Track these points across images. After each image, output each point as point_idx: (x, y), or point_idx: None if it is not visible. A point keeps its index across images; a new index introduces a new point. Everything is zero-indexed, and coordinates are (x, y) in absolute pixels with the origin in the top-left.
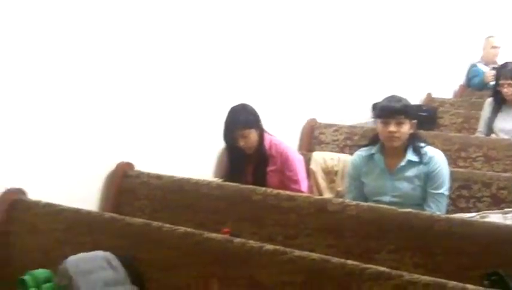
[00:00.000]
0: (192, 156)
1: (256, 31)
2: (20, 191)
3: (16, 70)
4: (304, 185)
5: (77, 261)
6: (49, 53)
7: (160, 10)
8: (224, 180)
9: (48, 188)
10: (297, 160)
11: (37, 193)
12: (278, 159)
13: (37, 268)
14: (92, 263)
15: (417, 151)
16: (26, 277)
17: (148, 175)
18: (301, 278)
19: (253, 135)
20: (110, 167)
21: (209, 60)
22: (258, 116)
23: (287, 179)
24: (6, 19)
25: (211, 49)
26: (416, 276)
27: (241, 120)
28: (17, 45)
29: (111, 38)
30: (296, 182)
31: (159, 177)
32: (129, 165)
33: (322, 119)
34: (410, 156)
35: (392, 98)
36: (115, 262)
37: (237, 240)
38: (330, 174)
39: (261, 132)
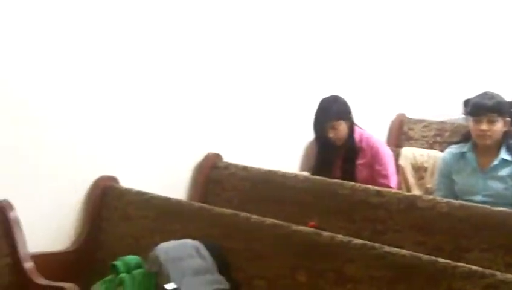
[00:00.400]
0: (280, 148)
1: (347, 24)
2: (112, 179)
3: (112, 68)
4: (393, 180)
5: (167, 249)
6: (141, 52)
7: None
8: (312, 174)
9: (138, 177)
10: (387, 155)
11: (128, 181)
12: (368, 153)
13: (128, 254)
14: (182, 251)
15: (511, 150)
16: (118, 262)
17: (236, 167)
18: (390, 274)
19: (343, 126)
20: (199, 157)
21: (299, 53)
22: (349, 109)
23: (376, 174)
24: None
25: (300, 41)
26: (510, 276)
27: (332, 111)
28: (113, 47)
29: (203, 35)
30: (385, 176)
31: (246, 169)
32: (217, 156)
33: (411, 115)
34: (504, 154)
35: (485, 95)
36: (204, 251)
37: (325, 233)
38: (419, 170)
39: (352, 125)
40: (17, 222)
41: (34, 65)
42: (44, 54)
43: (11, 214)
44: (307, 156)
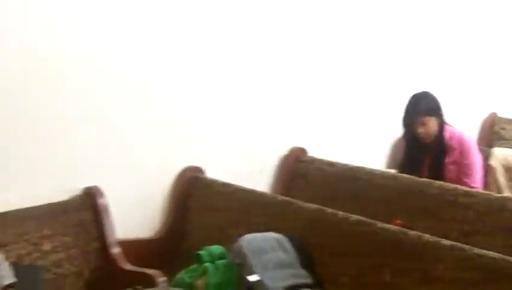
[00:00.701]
0: (366, 144)
1: (439, 22)
2: (198, 169)
3: (209, 63)
4: (476, 180)
5: (251, 241)
6: (237, 49)
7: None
8: (399, 171)
9: (224, 168)
10: (475, 154)
11: (214, 172)
12: (458, 151)
13: (212, 244)
14: (265, 244)
15: None
16: (202, 252)
17: (321, 161)
18: (479, 276)
19: (432, 123)
20: (284, 150)
21: (390, 49)
22: (439, 105)
23: (461, 171)
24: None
25: (392, 37)
26: None
27: (422, 106)
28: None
29: (294, 33)
30: (469, 175)
31: (331, 164)
32: (302, 151)
33: (503, 114)
34: None
35: None
36: (287, 244)
37: (412, 232)
38: (511, 171)
39: (441, 122)
40: (106, 208)
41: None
42: (167, 45)
43: (101, 201)
44: (394, 153)
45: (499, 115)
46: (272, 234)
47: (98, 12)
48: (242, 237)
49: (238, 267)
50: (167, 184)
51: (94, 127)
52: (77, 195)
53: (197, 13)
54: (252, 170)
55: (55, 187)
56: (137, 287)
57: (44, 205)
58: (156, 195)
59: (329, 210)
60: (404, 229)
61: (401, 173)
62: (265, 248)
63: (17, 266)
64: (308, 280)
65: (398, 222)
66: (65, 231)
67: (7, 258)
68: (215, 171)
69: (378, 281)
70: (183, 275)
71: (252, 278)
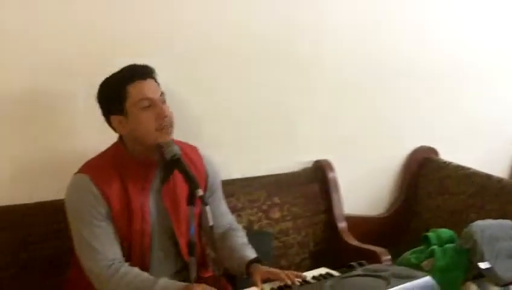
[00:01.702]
0: None
1: None
2: (432, 150)
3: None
4: None
5: (483, 227)
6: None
7: None
8: None
9: (459, 150)
10: None
11: (448, 154)
12: None
13: (441, 227)
14: (500, 231)
15: None
16: (430, 234)
17: None
18: None
19: None
20: None
21: None
22: None
23: None
24: None
25: None
26: None
27: None
28: None
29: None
30: None
31: None
32: None
33: None
34: None
35: None
36: None
37: None
38: None
39: None
40: (336, 182)
41: None
42: None
43: (331, 175)
44: None
45: None
46: (506, 222)
47: None
48: (474, 223)
49: (468, 253)
50: (398, 163)
51: (325, 104)
52: (308, 167)
53: None
54: (490, 154)
55: (288, 159)
56: (362, 261)
57: (276, 174)
58: (386, 173)
59: None
60: None
61: None
62: (500, 235)
63: (248, 231)
64: None
65: None
66: (294, 201)
67: (239, 222)
68: (450, 153)
69: None
70: (409, 255)
71: (483, 265)
